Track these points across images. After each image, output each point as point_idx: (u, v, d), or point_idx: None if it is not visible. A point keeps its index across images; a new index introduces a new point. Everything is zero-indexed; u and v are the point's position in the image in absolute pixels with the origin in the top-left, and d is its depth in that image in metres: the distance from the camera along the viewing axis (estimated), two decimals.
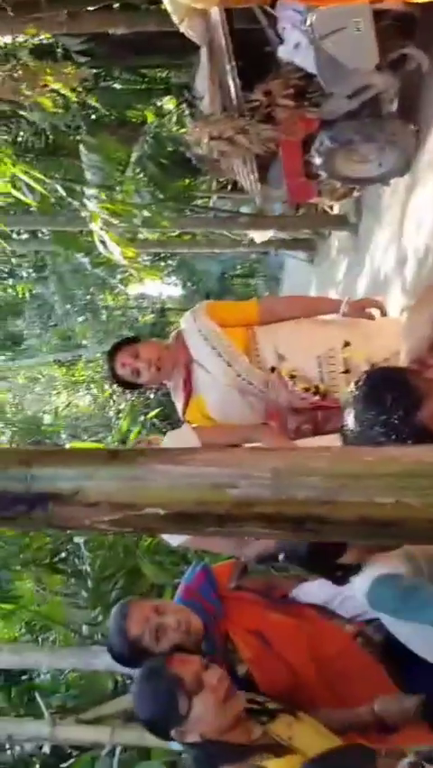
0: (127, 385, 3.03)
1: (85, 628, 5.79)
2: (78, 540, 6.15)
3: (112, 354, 2.98)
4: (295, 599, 2.44)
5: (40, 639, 6.09)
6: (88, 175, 6.15)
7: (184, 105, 6.28)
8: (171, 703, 1.95)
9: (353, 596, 2.16)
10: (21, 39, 5.11)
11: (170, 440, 2.87)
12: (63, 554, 6.34)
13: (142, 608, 2.29)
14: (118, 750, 4.37)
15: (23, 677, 6.07)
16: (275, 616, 2.33)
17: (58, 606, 6.13)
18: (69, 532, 6.18)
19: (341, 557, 1.96)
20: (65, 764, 4.78)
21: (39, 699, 4.96)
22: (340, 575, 2.04)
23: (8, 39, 4.99)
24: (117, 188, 6.40)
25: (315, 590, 2.42)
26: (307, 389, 2.78)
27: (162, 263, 14.27)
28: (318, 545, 1.94)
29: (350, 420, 1.48)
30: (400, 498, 0.89)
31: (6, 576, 6.23)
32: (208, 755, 1.98)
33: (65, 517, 0.94)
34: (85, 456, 0.97)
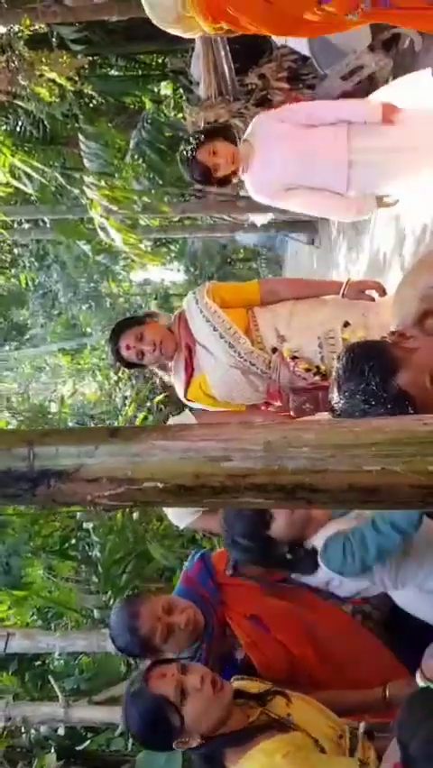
0: (131, 365, 3.07)
1: (96, 612, 5.87)
2: (87, 525, 6.23)
3: (116, 336, 2.99)
4: (293, 582, 2.47)
5: (52, 625, 6.18)
6: (87, 162, 6.17)
7: (181, 90, 6.27)
8: (163, 722, 1.95)
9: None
10: (16, 29, 5.12)
11: (173, 423, 2.93)
12: (73, 540, 6.41)
13: (153, 607, 2.29)
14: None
15: (37, 662, 6.16)
16: (272, 600, 2.36)
17: (69, 591, 6.21)
18: (78, 516, 6.27)
19: (268, 528, 2.05)
20: (80, 746, 4.87)
21: (52, 682, 5.04)
22: (291, 558, 2.12)
23: (3, 29, 5.00)
24: (116, 175, 6.41)
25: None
26: (308, 370, 2.82)
27: (164, 249, 14.26)
28: (249, 528, 2.07)
29: (334, 392, 1.52)
30: (386, 466, 0.93)
31: (17, 563, 6.31)
32: (214, 750, 1.98)
33: (67, 493, 0.98)
34: (85, 434, 1.02)
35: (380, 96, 3.12)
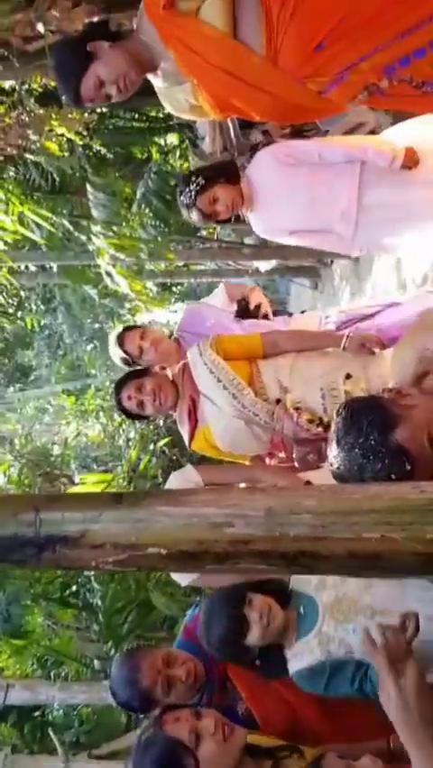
0: (134, 416, 3.12)
1: (96, 662, 5.79)
2: (89, 573, 6.18)
3: (119, 387, 3.08)
4: None
5: (52, 674, 6.09)
6: (95, 212, 6.29)
7: (187, 142, 6.43)
8: (178, 766, 1.94)
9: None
10: (26, 86, 5.28)
11: (175, 479, 2.95)
12: (74, 588, 6.36)
13: (154, 660, 2.31)
14: None
15: (36, 713, 6.05)
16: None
17: (69, 640, 6.14)
18: None
19: (245, 637, 2.14)
20: None
21: (52, 734, 4.96)
22: (259, 664, 2.20)
23: (14, 85, 5.15)
24: (123, 224, 6.53)
25: None
26: (311, 421, 2.84)
27: (168, 293, 14.42)
28: (225, 634, 2.15)
29: (333, 446, 1.54)
30: (385, 533, 0.94)
31: (17, 611, 6.25)
32: None
33: (72, 559, 1.00)
34: (91, 500, 1.04)
35: (396, 134, 2.94)
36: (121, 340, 3.30)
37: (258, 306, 3.40)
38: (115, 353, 3.35)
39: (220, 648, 2.21)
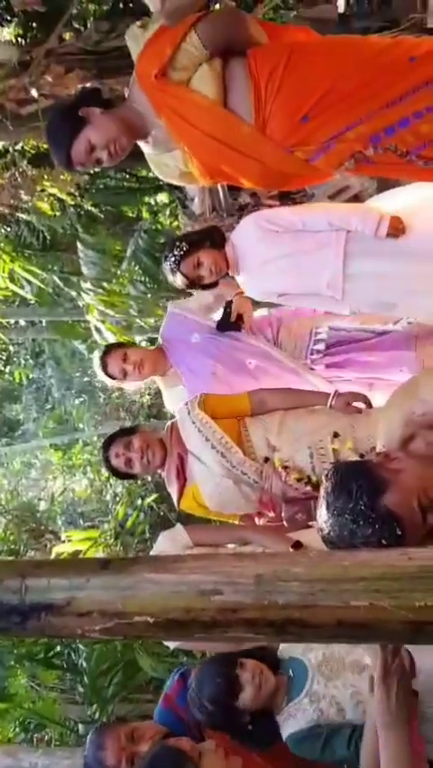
0: (123, 475, 3.11)
1: (81, 726, 5.61)
2: None
3: (107, 445, 3.08)
4: None
5: (34, 738, 5.88)
6: (85, 269, 6.37)
7: (177, 201, 6.58)
8: None
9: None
10: (19, 147, 5.42)
11: (164, 539, 2.92)
12: (58, 648, 6.20)
13: (117, 738, 2.34)
14: None
15: None
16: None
17: (53, 703, 5.96)
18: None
19: (237, 699, 2.16)
20: None
21: None
22: (250, 729, 2.21)
23: (7, 146, 5.28)
24: (113, 281, 6.61)
25: None
26: (299, 480, 2.83)
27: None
28: (218, 695, 2.18)
29: (322, 510, 1.54)
30: (374, 601, 0.94)
31: (1, 673, 6.07)
32: None
33: (58, 627, 0.99)
34: (77, 566, 1.03)
35: (382, 202, 2.92)
36: (104, 363, 3.31)
37: (240, 317, 3.30)
38: (100, 374, 3.35)
39: (212, 711, 2.21)
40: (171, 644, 3.02)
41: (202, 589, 0.98)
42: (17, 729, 6.06)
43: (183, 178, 2.43)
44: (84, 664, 5.84)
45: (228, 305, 3.31)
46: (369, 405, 2.83)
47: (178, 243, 3.10)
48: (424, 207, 2.69)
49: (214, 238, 3.08)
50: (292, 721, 2.14)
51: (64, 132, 2.27)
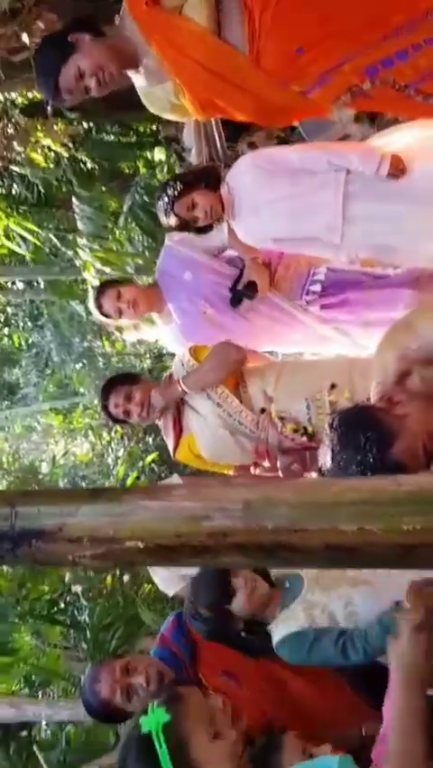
0: (118, 421, 3.10)
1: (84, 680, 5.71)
2: (76, 589, 6.12)
3: (107, 391, 3.05)
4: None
5: (39, 693, 6.01)
6: (81, 225, 6.30)
7: (174, 156, 6.47)
8: None
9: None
10: (12, 98, 5.31)
11: None
12: (61, 605, 6.30)
13: (112, 670, 2.36)
14: None
15: (23, 732, 5.96)
16: (244, 657, 2.38)
17: (57, 659, 6.07)
18: (67, 580, 6.16)
19: (230, 602, 2.19)
20: None
21: (38, 753, 4.88)
22: (246, 636, 2.26)
23: (0, 98, 5.19)
24: (110, 237, 6.54)
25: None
26: (295, 431, 2.85)
27: None
28: (212, 599, 2.21)
29: (327, 461, 1.54)
30: (362, 525, 0.94)
31: (4, 628, 6.18)
32: None
33: (49, 553, 0.99)
34: (68, 495, 1.03)
35: (382, 142, 2.83)
36: (99, 303, 3.26)
37: (251, 285, 3.10)
38: (96, 314, 3.31)
39: (207, 618, 2.26)
40: (170, 591, 3.06)
41: (192, 514, 0.99)
42: (22, 684, 6.18)
43: (175, 111, 2.37)
44: (87, 620, 5.94)
45: (240, 271, 3.15)
46: None
47: (172, 183, 3.00)
48: (424, 148, 2.63)
49: (209, 179, 2.98)
50: (282, 626, 2.17)
51: (53, 58, 2.21)
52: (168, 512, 0.99)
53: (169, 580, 3.00)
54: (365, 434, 1.51)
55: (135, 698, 2.31)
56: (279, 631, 2.18)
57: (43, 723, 5.79)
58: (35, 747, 5.20)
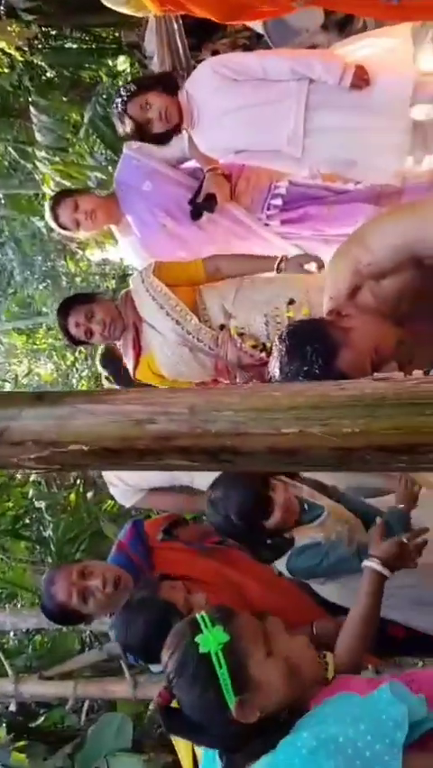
0: (78, 342, 3.07)
1: None
2: (40, 505, 6.20)
3: (65, 311, 3.00)
4: (230, 543, 2.57)
5: (6, 607, 6.14)
6: (39, 137, 6.07)
7: (137, 65, 6.20)
8: (166, 627, 2.03)
9: None
10: None
11: None
12: (27, 521, 6.38)
13: (69, 574, 2.43)
14: (86, 705, 4.47)
15: None
16: (202, 561, 2.48)
17: (22, 572, 6.19)
18: (30, 496, 6.23)
19: (267, 519, 2.17)
20: (33, 723, 4.89)
21: (2, 659, 5.03)
22: (270, 547, 2.26)
23: None
24: (70, 150, 6.32)
25: None
26: (254, 347, 2.86)
27: None
28: (246, 513, 2.16)
29: (276, 373, 1.55)
30: (303, 428, 0.96)
31: None
32: None
33: None
34: (10, 398, 1.03)
35: (346, 51, 2.78)
36: (55, 214, 3.18)
37: (210, 197, 3.03)
38: (52, 225, 3.24)
39: (236, 524, 2.20)
40: (128, 503, 3.12)
41: (137, 418, 0.99)
42: None
43: (131, 5, 2.26)
44: (51, 535, 6.04)
45: (200, 183, 3.07)
46: (322, 266, 2.80)
47: (126, 86, 2.91)
48: (387, 59, 2.56)
49: (166, 82, 2.88)
50: (302, 537, 2.23)
51: None
52: (112, 416, 1.00)
53: (125, 492, 3.06)
54: (312, 346, 1.52)
55: (91, 600, 2.39)
56: (300, 540, 2.23)
57: (10, 632, 5.95)
58: (1, 654, 5.35)
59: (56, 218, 3.17)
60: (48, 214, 3.25)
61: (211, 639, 1.48)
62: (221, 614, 1.56)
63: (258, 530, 2.21)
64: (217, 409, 0.99)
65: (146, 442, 0.99)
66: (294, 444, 0.97)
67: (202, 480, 2.90)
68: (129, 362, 3.07)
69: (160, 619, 2.05)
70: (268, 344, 2.83)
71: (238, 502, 2.18)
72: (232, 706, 1.42)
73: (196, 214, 3.05)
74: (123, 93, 2.87)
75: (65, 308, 3.00)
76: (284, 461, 0.99)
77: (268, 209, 3.07)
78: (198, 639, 1.49)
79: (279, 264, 2.81)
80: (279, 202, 3.06)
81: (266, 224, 3.08)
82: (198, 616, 1.56)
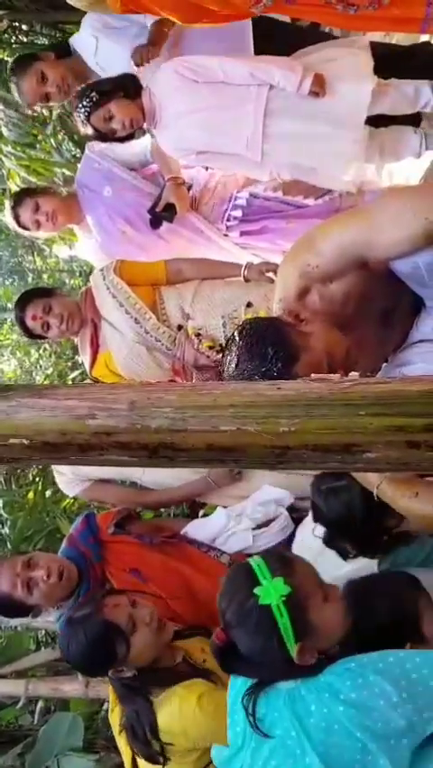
0: (34, 336, 3.06)
1: None
2: None
3: (23, 304, 2.98)
4: (183, 538, 2.59)
5: None
6: (5, 131, 6.01)
7: None
8: (110, 649, 2.02)
9: (238, 533, 2.33)
10: None
11: None
12: None
13: (14, 565, 2.43)
14: (40, 704, 4.45)
15: None
16: (152, 555, 2.50)
17: None
18: None
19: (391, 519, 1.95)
20: None
21: None
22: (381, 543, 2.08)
23: None
24: (37, 146, 6.27)
25: (203, 528, 2.60)
26: (211, 347, 2.88)
27: None
28: (373, 511, 1.93)
29: (231, 368, 1.56)
30: (241, 426, 0.98)
31: None
32: (142, 683, 2.09)
33: None
34: None
35: (305, 59, 2.76)
36: (16, 215, 3.15)
37: (169, 207, 3.02)
38: (12, 224, 3.21)
39: (358, 519, 1.98)
40: (71, 492, 3.14)
41: (77, 413, 1.01)
42: None
43: (94, 5, 2.27)
44: (8, 532, 6.00)
45: (160, 192, 3.05)
46: None
47: (87, 93, 2.84)
48: (347, 68, 2.60)
49: (128, 87, 2.84)
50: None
51: None
52: (53, 410, 1.01)
53: (70, 482, 3.08)
54: (273, 348, 1.54)
55: (36, 591, 2.39)
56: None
57: None
58: None
59: (16, 218, 3.15)
60: (7, 213, 3.22)
61: (272, 591, 1.47)
62: (280, 563, 1.54)
63: (378, 526, 2.05)
64: (157, 406, 1.01)
65: (86, 437, 1.00)
66: (232, 442, 0.99)
67: (149, 477, 2.92)
68: (86, 359, 3.07)
69: (99, 639, 2.03)
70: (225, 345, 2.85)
71: (368, 495, 1.94)
72: (293, 652, 1.44)
73: (155, 223, 3.06)
74: (85, 102, 2.81)
75: (23, 301, 2.99)
76: (222, 459, 1.01)
77: (228, 220, 3.10)
78: (257, 591, 1.47)
79: (244, 271, 2.83)
80: (239, 213, 3.08)
81: (225, 235, 3.11)
82: (254, 564, 1.53)
